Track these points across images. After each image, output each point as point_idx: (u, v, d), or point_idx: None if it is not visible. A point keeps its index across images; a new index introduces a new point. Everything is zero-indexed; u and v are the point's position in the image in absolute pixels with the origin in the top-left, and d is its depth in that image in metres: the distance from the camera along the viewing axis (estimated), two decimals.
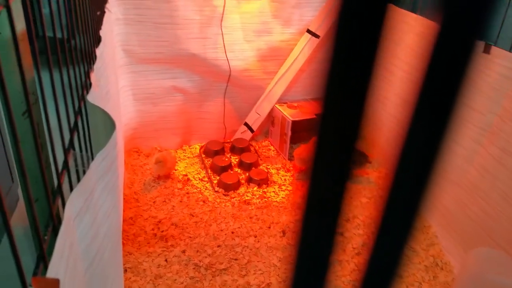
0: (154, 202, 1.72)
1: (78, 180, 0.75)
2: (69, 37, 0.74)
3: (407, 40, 1.84)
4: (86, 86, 0.89)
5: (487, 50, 1.39)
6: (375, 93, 0.17)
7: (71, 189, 0.68)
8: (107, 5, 1.53)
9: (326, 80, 0.17)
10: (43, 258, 0.47)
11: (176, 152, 2.09)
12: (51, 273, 0.44)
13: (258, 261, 1.48)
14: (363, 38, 0.15)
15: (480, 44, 1.36)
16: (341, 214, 0.19)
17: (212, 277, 1.40)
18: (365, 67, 0.16)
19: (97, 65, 1.02)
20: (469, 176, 1.47)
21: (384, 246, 0.19)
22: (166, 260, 1.44)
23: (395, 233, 0.19)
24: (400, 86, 1.88)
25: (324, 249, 0.20)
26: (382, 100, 2.03)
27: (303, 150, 1.94)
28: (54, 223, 0.54)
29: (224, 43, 1.96)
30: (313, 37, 2.04)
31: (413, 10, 1.78)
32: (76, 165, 0.71)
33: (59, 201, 0.59)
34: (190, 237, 1.56)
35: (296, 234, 0.20)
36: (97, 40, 1.19)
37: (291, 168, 2.03)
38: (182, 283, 1.36)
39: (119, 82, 1.81)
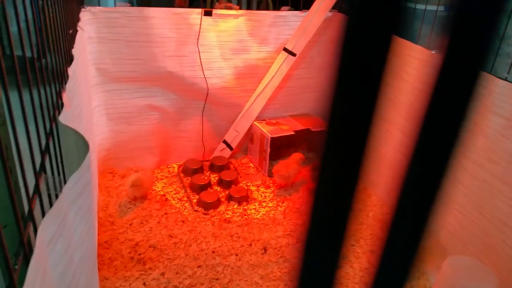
0: (130, 224, 1.67)
1: (51, 204, 0.71)
2: (39, 55, 0.72)
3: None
4: (58, 106, 0.87)
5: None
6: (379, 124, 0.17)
7: (43, 214, 0.65)
8: (80, 23, 1.51)
9: (331, 106, 0.16)
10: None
11: (153, 171, 2.05)
12: None
13: (240, 280, 1.45)
14: (368, 69, 0.15)
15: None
16: (346, 233, 0.19)
17: None
18: (369, 96, 0.16)
19: (69, 85, 0.99)
20: (445, 189, 1.49)
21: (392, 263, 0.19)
22: (144, 284, 1.39)
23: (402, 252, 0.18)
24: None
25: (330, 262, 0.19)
26: None
27: (282, 167, 1.94)
28: (25, 250, 0.51)
29: (201, 61, 1.96)
30: (290, 55, 2.06)
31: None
32: (48, 189, 0.68)
33: (31, 227, 0.56)
34: (169, 258, 1.52)
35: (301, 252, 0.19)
36: (69, 59, 1.16)
37: (271, 184, 2.02)
38: None
39: (92, 101, 1.77)
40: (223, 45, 2.01)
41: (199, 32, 1.92)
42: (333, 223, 0.19)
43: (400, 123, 1.77)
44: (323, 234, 0.19)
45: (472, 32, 0.15)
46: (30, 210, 0.56)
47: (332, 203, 0.18)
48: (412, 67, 1.68)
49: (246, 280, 1.45)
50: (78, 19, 1.52)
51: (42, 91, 0.73)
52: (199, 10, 1.90)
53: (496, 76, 1.28)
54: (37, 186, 0.60)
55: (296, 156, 1.98)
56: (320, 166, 0.18)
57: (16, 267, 0.49)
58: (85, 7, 1.69)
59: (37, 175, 0.61)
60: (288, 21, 2.09)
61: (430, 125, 0.17)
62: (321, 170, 0.18)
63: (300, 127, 2.14)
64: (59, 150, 0.79)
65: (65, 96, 0.91)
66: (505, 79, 1.25)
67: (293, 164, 1.94)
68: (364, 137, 0.17)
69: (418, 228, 0.18)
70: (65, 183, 0.84)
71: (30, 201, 0.56)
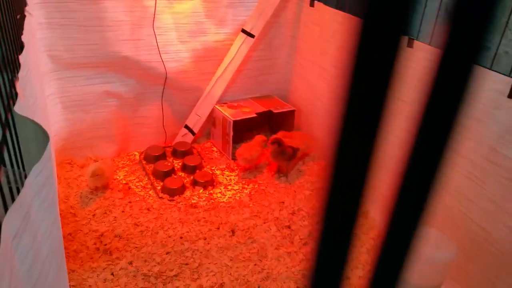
0: (93, 215, 1.63)
1: (12, 199, 0.69)
2: None
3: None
4: (12, 96, 0.82)
5: (410, 45, 1.49)
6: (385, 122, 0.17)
7: (5, 208, 0.62)
8: (27, 8, 1.43)
9: (344, 103, 0.17)
10: None
11: (114, 160, 2.00)
12: None
13: (209, 263, 1.46)
14: (380, 68, 0.16)
15: (403, 39, 1.47)
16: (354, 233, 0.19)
17: (163, 285, 1.36)
18: (380, 93, 0.16)
19: (21, 73, 0.94)
20: (440, 176, 1.56)
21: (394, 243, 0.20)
22: (112, 274, 1.38)
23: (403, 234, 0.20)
24: (334, 82, 1.96)
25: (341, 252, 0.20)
26: (318, 96, 2.11)
27: (245, 150, 1.95)
28: None
29: (157, 44, 1.91)
30: (248, 37, 2.05)
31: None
32: (9, 183, 0.66)
33: None
34: (137, 247, 1.50)
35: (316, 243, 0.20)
36: (19, 46, 1.10)
37: (236, 168, 2.03)
38: None
39: (45, 90, 1.69)
40: (180, 28, 1.96)
41: (154, 14, 1.86)
42: (343, 221, 0.20)
43: None
44: (335, 233, 0.20)
45: (468, 25, 0.16)
46: None
47: (342, 205, 0.19)
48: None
49: (216, 263, 1.47)
50: (25, 3, 1.43)
51: None
52: None
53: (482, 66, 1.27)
54: None
55: (259, 139, 2.00)
56: (333, 164, 0.19)
57: None
58: None
59: None
60: (245, 1, 2.07)
61: (428, 118, 0.18)
62: (334, 168, 0.19)
63: (261, 109, 2.15)
64: (16, 142, 0.76)
65: (18, 85, 0.86)
66: (489, 68, 1.25)
67: (256, 147, 1.96)
68: (374, 135, 0.18)
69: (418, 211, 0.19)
70: (25, 175, 0.81)
71: None
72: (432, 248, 1.20)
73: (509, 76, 1.21)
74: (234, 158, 2.08)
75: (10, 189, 0.67)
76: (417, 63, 1.48)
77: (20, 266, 0.59)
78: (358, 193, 0.19)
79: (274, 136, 1.96)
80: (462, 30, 0.16)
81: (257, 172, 2.00)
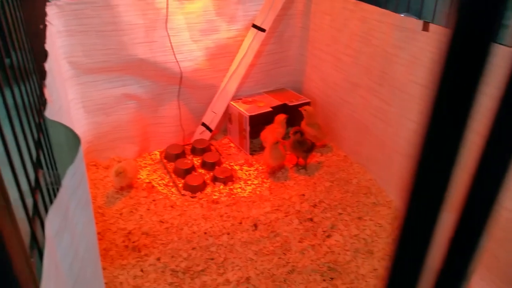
0: (120, 214, 1.68)
1: (50, 200, 0.72)
2: (6, 54, 0.70)
3: (352, 27, 1.91)
4: (42, 102, 0.86)
5: (426, 28, 1.48)
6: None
7: (46, 209, 0.66)
8: (48, 18, 1.47)
9: (432, 105, 0.18)
10: (33, 281, 0.46)
11: (136, 160, 2.04)
12: None
13: (234, 258, 1.49)
14: (470, 73, 0.17)
15: (419, 23, 1.44)
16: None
17: (191, 279, 1.40)
18: (468, 97, 0.17)
19: (48, 80, 0.98)
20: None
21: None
22: (142, 270, 1.42)
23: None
24: (348, 71, 1.96)
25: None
26: (332, 86, 2.11)
27: (269, 132, 2.01)
28: (38, 244, 0.52)
29: (171, 45, 1.94)
30: (259, 31, 2.06)
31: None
32: (46, 184, 0.69)
33: (37, 221, 0.57)
34: (163, 243, 1.54)
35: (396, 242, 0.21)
36: (44, 54, 1.14)
37: (255, 162, 2.05)
38: None
39: (68, 95, 1.74)
40: (192, 27, 1.99)
41: (167, 16, 1.89)
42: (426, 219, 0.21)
43: (373, 88, 1.82)
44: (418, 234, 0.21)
45: (480, 4, 0.17)
46: (35, 204, 0.57)
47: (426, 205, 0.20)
48: (381, 31, 1.72)
49: (241, 258, 1.50)
50: (45, 14, 1.48)
51: (18, 89, 0.72)
52: None
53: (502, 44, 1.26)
54: (37, 180, 0.60)
55: (280, 117, 2.03)
56: (419, 164, 0.19)
57: (32, 260, 0.51)
58: (50, 1, 1.64)
59: (37, 170, 0.61)
60: None
61: (442, 101, 0.19)
62: (420, 167, 0.19)
63: (276, 102, 2.16)
64: (50, 146, 0.79)
65: (47, 92, 0.90)
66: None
67: (278, 128, 2.00)
68: (460, 139, 0.18)
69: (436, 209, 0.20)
70: (59, 177, 0.85)
71: (33, 195, 0.57)
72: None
73: None
74: (252, 153, 2.11)
75: (47, 190, 0.70)
76: (434, 47, 1.47)
77: (62, 263, 0.63)
78: (442, 196, 0.20)
79: (296, 127, 1.98)
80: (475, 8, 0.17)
81: (282, 171, 1.99)
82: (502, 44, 1.26)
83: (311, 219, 1.68)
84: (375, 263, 1.48)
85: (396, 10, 1.68)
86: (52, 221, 0.60)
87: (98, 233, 1.56)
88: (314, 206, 1.75)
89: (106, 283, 1.35)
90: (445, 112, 0.18)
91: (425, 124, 0.19)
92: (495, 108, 0.18)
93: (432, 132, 0.19)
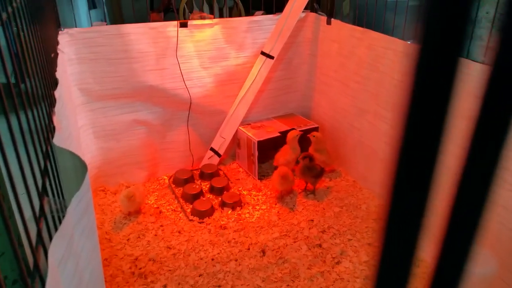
0: (128, 239, 1.68)
1: (55, 227, 0.72)
2: (17, 81, 0.72)
3: (359, 53, 1.93)
4: (50, 129, 0.88)
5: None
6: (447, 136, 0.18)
7: (50, 236, 0.66)
8: (59, 46, 1.51)
9: (405, 117, 0.18)
10: None
11: (145, 185, 2.05)
12: None
13: (242, 284, 1.47)
14: (440, 89, 0.17)
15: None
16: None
17: None
18: (440, 111, 0.17)
19: (57, 107, 1.00)
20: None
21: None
22: None
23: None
24: (356, 97, 1.97)
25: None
26: (341, 112, 2.11)
27: (284, 152, 2.00)
28: (40, 272, 0.52)
29: (181, 72, 1.98)
30: (268, 59, 2.10)
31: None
32: (51, 211, 0.70)
33: (41, 249, 0.57)
34: (170, 270, 1.53)
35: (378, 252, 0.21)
36: (54, 82, 1.17)
37: (263, 187, 2.04)
38: None
39: (78, 121, 1.77)
40: (202, 55, 2.03)
41: (177, 44, 1.94)
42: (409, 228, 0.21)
43: (381, 114, 1.82)
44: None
45: (446, 19, 0.17)
46: (39, 232, 0.57)
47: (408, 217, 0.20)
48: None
49: (248, 284, 1.47)
50: (57, 42, 1.52)
51: (28, 116, 0.74)
52: (175, 23, 1.92)
53: (472, 60, 1.34)
54: (41, 208, 0.61)
55: (293, 134, 2.03)
56: (395, 177, 0.20)
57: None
58: (62, 29, 1.70)
59: (41, 197, 0.62)
60: (263, 25, 2.12)
61: (416, 114, 0.19)
62: (395, 180, 0.20)
63: (284, 127, 2.17)
64: (56, 173, 0.80)
65: (55, 119, 0.92)
66: (482, 62, 1.30)
67: (293, 144, 2.02)
68: (435, 153, 0.19)
69: (417, 217, 0.20)
70: (65, 204, 0.85)
71: (37, 223, 0.57)
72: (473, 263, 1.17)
73: None
74: (260, 178, 2.10)
75: (52, 217, 0.71)
76: (392, 60, 1.48)
77: None
78: (418, 223, 0.20)
79: (305, 152, 1.98)
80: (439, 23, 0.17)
81: (290, 196, 1.98)
82: (476, 61, 1.29)
83: (320, 245, 1.66)
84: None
85: (403, 37, 1.70)
86: (56, 248, 0.60)
87: (105, 259, 1.55)
88: (323, 231, 1.73)
89: None
90: (418, 125, 0.18)
91: (399, 136, 0.19)
92: (471, 124, 0.18)
93: (406, 143, 0.19)
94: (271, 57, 2.09)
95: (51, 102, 1.07)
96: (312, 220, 1.79)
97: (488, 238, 1.35)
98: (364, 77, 1.89)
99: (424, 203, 0.20)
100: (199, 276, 1.50)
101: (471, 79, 1.34)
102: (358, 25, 1.91)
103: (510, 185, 1.28)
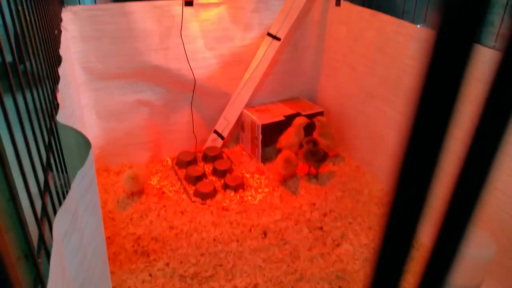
0: (130, 219, 1.69)
1: (59, 202, 0.73)
2: (20, 59, 0.72)
3: (367, 36, 1.90)
4: (55, 106, 0.87)
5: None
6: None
7: (54, 211, 0.66)
8: (63, 24, 1.50)
9: (416, 110, 0.18)
10: (41, 282, 0.46)
11: (148, 166, 2.06)
12: None
13: (243, 264, 1.48)
14: (454, 75, 0.17)
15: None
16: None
17: (199, 285, 1.39)
18: (450, 98, 0.17)
19: (61, 85, 1.00)
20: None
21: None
22: (150, 275, 1.42)
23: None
24: (364, 81, 1.95)
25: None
26: (347, 96, 2.10)
27: (287, 135, 2.00)
28: (45, 245, 0.53)
29: (186, 53, 1.96)
30: (275, 40, 2.07)
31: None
32: (56, 187, 0.70)
33: (46, 223, 0.58)
34: (172, 249, 1.54)
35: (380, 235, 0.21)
36: (58, 59, 1.16)
37: (266, 171, 2.04)
38: None
39: (81, 100, 1.77)
40: (207, 35, 2.01)
41: (182, 23, 1.91)
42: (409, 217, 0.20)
43: (390, 99, 1.80)
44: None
45: (463, 4, 0.17)
46: (44, 206, 0.57)
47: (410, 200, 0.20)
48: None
49: (249, 265, 1.49)
50: (60, 19, 1.51)
51: (31, 93, 0.73)
52: (180, 1, 1.89)
53: (483, 45, 1.32)
54: (46, 183, 0.61)
55: (300, 120, 2.02)
56: (402, 163, 0.19)
57: (40, 260, 0.51)
58: (66, 7, 1.68)
59: (46, 172, 0.62)
60: (271, 5, 2.09)
61: (426, 101, 0.19)
62: (403, 165, 0.19)
63: (290, 111, 2.16)
64: (60, 149, 0.80)
65: (59, 96, 0.91)
66: (493, 48, 1.28)
67: (298, 129, 2.01)
68: (442, 139, 0.18)
69: (420, 201, 0.20)
70: (68, 181, 0.86)
71: (42, 197, 0.57)
72: (472, 246, 1.18)
73: None
74: (264, 161, 2.10)
75: (57, 193, 0.71)
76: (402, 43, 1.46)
77: (70, 265, 0.63)
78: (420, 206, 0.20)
79: (309, 136, 1.97)
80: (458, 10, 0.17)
81: (293, 180, 1.98)
82: (488, 47, 1.27)
83: (321, 228, 1.67)
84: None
85: (413, 21, 1.67)
86: (60, 223, 0.60)
87: (108, 238, 1.57)
88: (325, 215, 1.74)
89: (114, 287, 1.35)
90: (429, 110, 0.18)
91: (411, 120, 0.19)
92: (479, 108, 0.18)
93: (417, 129, 0.19)
94: (278, 39, 2.07)
95: (55, 79, 1.06)
96: (314, 204, 1.80)
97: (487, 223, 1.35)
98: (373, 61, 1.87)
99: (429, 186, 0.19)
100: (201, 256, 1.51)
101: (482, 64, 1.33)
102: (368, 7, 1.87)
103: (510, 170, 1.27)
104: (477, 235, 1.21)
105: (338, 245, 1.58)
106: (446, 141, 0.19)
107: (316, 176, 1.98)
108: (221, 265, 1.48)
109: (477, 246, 1.18)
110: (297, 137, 2.01)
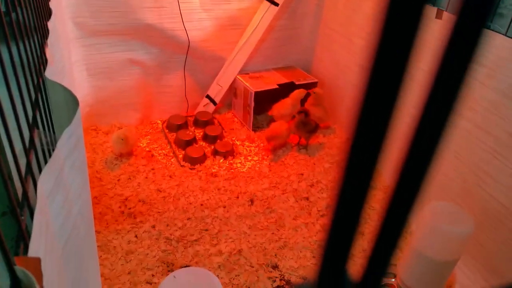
0: (118, 180, 1.69)
1: (45, 160, 0.72)
2: (8, 10, 0.68)
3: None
4: (43, 61, 0.85)
5: (439, 16, 1.44)
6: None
7: (39, 169, 0.66)
8: None
9: (369, 75, 0.18)
10: (23, 238, 0.46)
11: (137, 128, 2.04)
12: (32, 252, 0.43)
13: (228, 230, 1.51)
14: (402, 36, 0.16)
15: (433, 10, 1.42)
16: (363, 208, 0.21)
17: (184, 248, 1.41)
18: (400, 63, 0.17)
19: (50, 40, 0.96)
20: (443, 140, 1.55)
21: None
22: (136, 236, 1.44)
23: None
24: (360, 54, 1.92)
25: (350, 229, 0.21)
26: (342, 68, 2.07)
27: (282, 104, 1.99)
28: (28, 202, 0.52)
29: (181, 12, 1.90)
30: (272, 5, 2.02)
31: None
32: (41, 144, 0.69)
33: (30, 181, 0.57)
34: (159, 212, 1.55)
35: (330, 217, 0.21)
36: (48, 12, 1.12)
37: (257, 139, 2.04)
38: (154, 256, 1.37)
39: (71, 57, 1.72)
40: None
41: None
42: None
43: None
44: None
45: None
46: (28, 163, 0.56)
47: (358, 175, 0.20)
48: None
49: (235, 230, 1.51)
50: None
51: (17, 47, 0.70)
52: None
53: (433, 6, 1.30)
54: (32, 140, 0.60)
55: (299, 93, 2.01)
56: (355, 132, 0.19)
57: (22, 217, 0.51)
58: None
59: (31, 129, 0.61)
60: None
61: (380, 56, 0.18)
62: (356, 135, 0.19)
63: (283, 80, 2.14)
64: (47, 106, 0.79)
65: (48, 51, 0.88)
66: (488, 28, 1.26)
67: (294, 101, 2.00)
68: (394, 104, 0.18)
69: (378, 143, 0.20)
70: (55, 139, 0.84)
71: (27, 154, 0.56)
72: (450, 222, 1.20)
73: None
74: (254, 129, 2.10)
75: (43, 150, 0.70)
76: (445, 35, 1.42)
77: (54, 222, 0.63)
78: (375, 158, 0.20)
79: (301, 107, 1.96)
80: None
81: (283, 149, 1.99)
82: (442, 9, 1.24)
83: (307, 198, 1.69)
84: (365, 244, 1.49)
85: None
86: (45, 181, 0.59)
87: (95, 197, 1.57)
88: (311, 185, 1.76)
89: (99, 246, 1.37)
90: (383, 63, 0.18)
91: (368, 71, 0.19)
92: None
93: (369, 92, 0.19)
94: (276, 4, 2.01)
95: (44, 33, 1.03)
96: (302, 174, 1.82)
97: (467, 202, 1.38)
98: (370, 34, 1.84)
99: (385, 131, 0.20)
100: (187, 220, 1.53)
101: (436, 27, 1.31)
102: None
103: (491, 148, 1.29)
104: (456, 212, 1.24)
105: (322, 216, 1.61)
106: (403, 85, 0.19)
107: (306, 147, 1.99)
108: (207, 230, 1.50)
109: (455, 222, 1.21)
110: (292, 109, 2.00)
